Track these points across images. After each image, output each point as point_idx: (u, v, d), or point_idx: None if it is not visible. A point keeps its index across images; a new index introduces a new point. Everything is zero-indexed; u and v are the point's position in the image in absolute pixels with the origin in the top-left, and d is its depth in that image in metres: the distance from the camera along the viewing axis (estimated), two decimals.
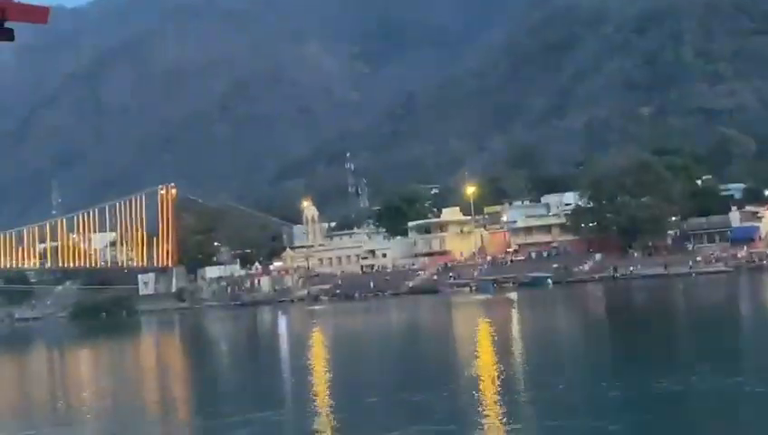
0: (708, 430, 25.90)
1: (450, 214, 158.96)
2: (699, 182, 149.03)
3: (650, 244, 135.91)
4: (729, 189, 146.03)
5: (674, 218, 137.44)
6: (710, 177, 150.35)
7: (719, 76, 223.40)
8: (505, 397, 36.45)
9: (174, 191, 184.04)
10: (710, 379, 36.36)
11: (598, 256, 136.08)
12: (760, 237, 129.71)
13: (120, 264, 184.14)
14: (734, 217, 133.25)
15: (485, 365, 47.84)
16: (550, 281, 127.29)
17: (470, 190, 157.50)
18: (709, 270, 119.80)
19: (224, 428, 24.81)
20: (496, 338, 63.30)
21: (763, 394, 32.59)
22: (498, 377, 42.31)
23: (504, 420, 31.00)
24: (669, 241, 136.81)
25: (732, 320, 65.28)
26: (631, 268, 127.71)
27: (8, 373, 72.43)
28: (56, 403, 47.79)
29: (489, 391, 38.63)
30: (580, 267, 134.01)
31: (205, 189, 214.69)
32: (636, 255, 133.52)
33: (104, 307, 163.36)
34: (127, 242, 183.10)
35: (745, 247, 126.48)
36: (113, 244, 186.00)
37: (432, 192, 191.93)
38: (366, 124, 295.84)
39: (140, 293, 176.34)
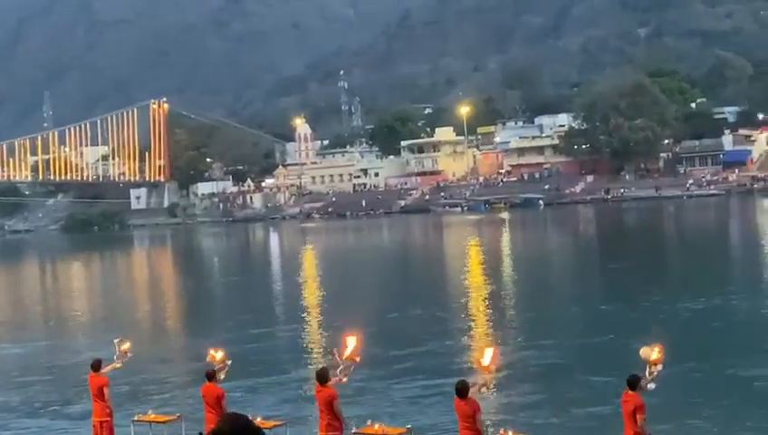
0: (692, 344, 26.37)
1: (443, 134, 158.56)
2: (693, 105, 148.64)
3: (643, 166, 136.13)
4: (723, 112, 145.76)
5: (667, 141, 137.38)
6: (704, 99, 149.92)
7: None
8: (495, 315, 36.95)
9: (166, 106, 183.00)
10: (695, 297, 36.90)
11: (590, 178, 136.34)
12: (752, 161, 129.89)
13: (112, 178, 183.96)
14: (727, 140, 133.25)
15: (476, 284, 48.33)
16: (541, 202, 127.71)
17: (464, 110, 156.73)
18: (700, 193, 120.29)
19: (215, 344, 25.26)
20: (487, 258, 63.82)
21: (742, 309, 33.14)
22: (488, 296, 42.80)
23: (494, 337, 31.47)
24: (662, 164, 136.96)
25: (718, 243, 65.84)
26: (623, 190, 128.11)
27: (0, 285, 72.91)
28: (48, 316, 48.27)
29: (479, 310, 39.12)
30: (572, 189, 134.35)
31: (197, 105, 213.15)
32: (628, 177, 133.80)
33: (96, 221, 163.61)
34: (119, 156, 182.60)
35: (737, 171, 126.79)
36: (105, 158, 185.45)
37: (426, 112, 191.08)
38: (361, 42, 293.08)
39: (132, 207, 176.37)
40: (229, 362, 16.19)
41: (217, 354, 16.28)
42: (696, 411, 20.77)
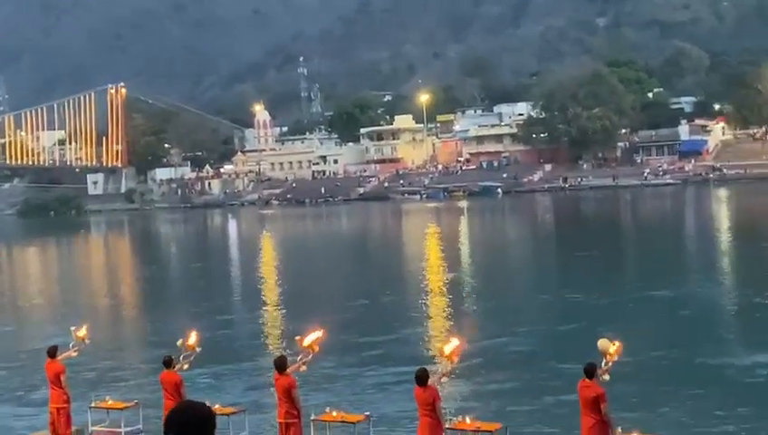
0: (660, 332, 26.64)
1: (403, 121, 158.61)
2: (651, 95, 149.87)
3: (600, 155, 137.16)
4: (680, 103, 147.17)
5: (624, 131, 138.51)
6: (662, 90, 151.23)
7: None
8: (456, 304, 37.12)
9: (124, 91, 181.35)
10: (657, 286, 37.30)
11: (548, 167, 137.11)
12: (707, 151, 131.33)
13: (68, 163, 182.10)
14: (684, 130, 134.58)
15: (436, 273, 48.51)
16: (500, 190, 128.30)
17: (423, 98, 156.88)
18: (657, 182, 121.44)
19: (169, 331, 25.19)
20: (446, 245, 64.06)
21: (703, 297, 33.57)
22: (449, 285, 42.98)
23: (456, 326, 31.61)
24: (619, 153, 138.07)
25: (675, 232, 66.57)
26: (580, 179, 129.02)
27: None
28: (3, 302, 47.78)
29: (441, 299, 39.28)
30: (530, 177, 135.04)
31: (156, 90, 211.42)
32: (585, 166, 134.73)
33: (52, 206, 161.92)
34: (76, 141, 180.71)
35: (693, 161, 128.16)
36: (62, 142, 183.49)
37: (385, 99, 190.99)
38: (320, 28, 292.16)
39: (89, 193, 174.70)
40: (198, 350, 16.15)
41: (189, 339, 16.22)
42: (666, 400, 21.02)
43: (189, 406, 4.32)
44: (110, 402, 17.63)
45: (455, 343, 14.30)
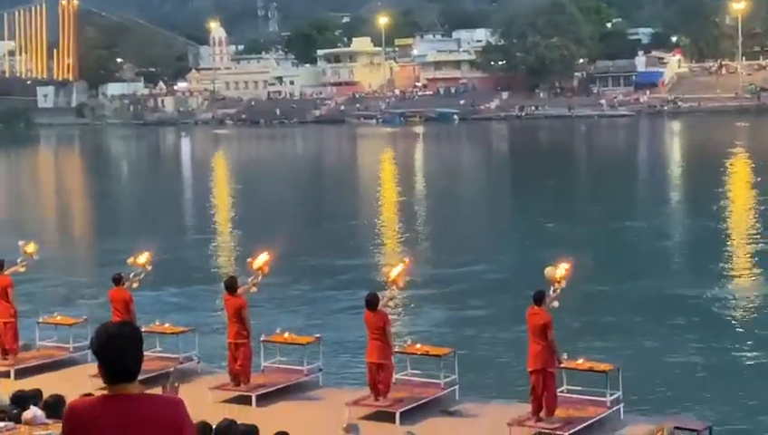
0: (593, 257, 26.97)
1: (360, 44, 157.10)
2: (609, 25, 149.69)
3: (557, 85, 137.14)
4: (638, 34, 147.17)
5: (582, 61, 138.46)
6: (620, 20, 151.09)
7: None
8: (405, 229, 37.28)
9: (76, 2, 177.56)
10: (613, 217, 37.71)
11: (505, 95, 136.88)
12: (663, 83, 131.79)
13: (18, 74, 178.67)
14: (640, 61, 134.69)
15: (388, 198, 48.60)
16: (456, 117, 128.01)
17: (382, 21, 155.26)
18: (612, 114, 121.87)
19: (119, 250, 24.96)
20: (400, 171, 64.10)
21: (655, 229, 34.01)
22: (399, 210, 43.10)
23: (406, 253, 31.74)
24: (576, 83, 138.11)
25: (628, 163, 67.16)
26: (534, 108, 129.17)
27: None
28: None
29: (390, 223, 39.40)
30: (487, 105, 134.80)
31: (108, 2, 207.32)
32: (542, 95, 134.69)
33: (1, 118, 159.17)
34: (26, 52, 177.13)
35: (648, 92, 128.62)
36: (12, 53, 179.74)
37: (343, 21, 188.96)
38: None
39: (39, 106, 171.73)
40: (148, 269, 16.05)
41: (140, 258, 16.11)
42: (613, 329, 21.39)
43: (113, 324, 4.35)
44: (58, 318, 17.54)
45: (400, 267, 14.36)
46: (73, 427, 4.21)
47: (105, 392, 4.20)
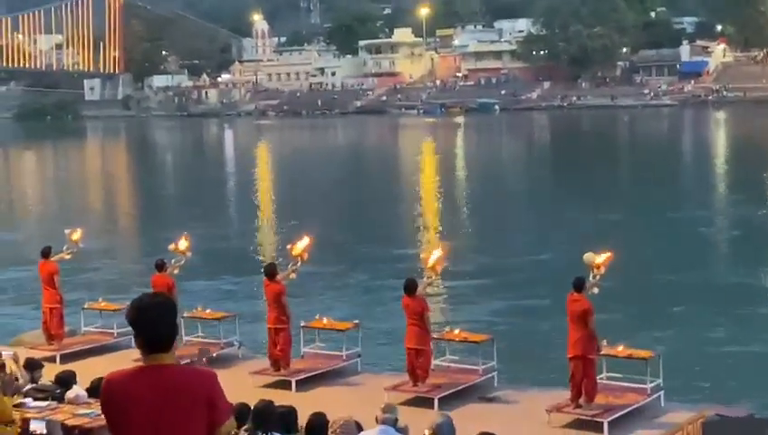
0: (638, 248, 26.83)
1: (402, 35, 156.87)
2: (653, 14, 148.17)
3: (600, 74, 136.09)
4: (682, 23, 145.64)
5: (625, 50, 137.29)
6: (664, 9, 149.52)
7: None
8: (445, 217, 37.29)
9: None
10: (659, 209, 37.48)
11: (546, 85, 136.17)
12: (708, 72, 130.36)
13: (66, 67, 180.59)
14: (685, 50, 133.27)
15: (428, 187, 48.60)
16: (497, 107, 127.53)
17: (423, 12, 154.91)
18: (656, 103, 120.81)
19: (162, 239, 25.19)
20: (441, 161, 64.05)
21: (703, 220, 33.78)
22: (439, 199, 43.10)
23: (442, 237, 31.74)
24: (618, 72, 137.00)
25: (666, 151, 66.54)
26: (576, 98, 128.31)
27: None
28: None
29: (430, 212, 39.43)
30: (529, 95, 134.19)
31: None
32: (584, 85, 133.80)
33: (49, 111, 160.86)
34: (73, 45, 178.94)
35: (693, 82, 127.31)
36: (59, 47, 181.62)
37: (384, 12, 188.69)
38: None
39: (86, 98, 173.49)
40: (189, 255, 16.23)
41: (180, 244, 16.30)
42: (682, 316, 21.33)
43: (147, 294, 4.47)
44: (102, 304, 17.78)
45: (437, 253, 14.42)
46: (110, 398, 4.32)
47: (140, 364, 4.30)
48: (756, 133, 76.88)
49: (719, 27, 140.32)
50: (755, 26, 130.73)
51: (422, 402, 13.10)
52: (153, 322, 4.26)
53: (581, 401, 12.62)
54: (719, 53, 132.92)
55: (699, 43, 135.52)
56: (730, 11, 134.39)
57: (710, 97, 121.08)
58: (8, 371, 10.97)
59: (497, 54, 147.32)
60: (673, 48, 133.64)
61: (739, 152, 62.83)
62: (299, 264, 14.91)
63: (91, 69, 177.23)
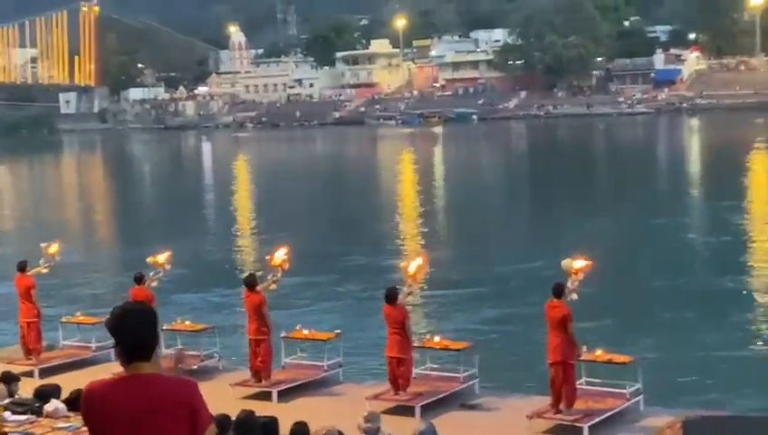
0: (614, 253, 26.94)
1: (379, 46, 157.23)
2: (627, 23, 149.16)
3: (575, 83, 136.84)
4: (655, 31, 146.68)
5: (599, 59, 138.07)
6: (638, 18, 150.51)
7: None
8: (425, 226, 37.34)
9: (96, 9, 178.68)
10: (624, 213, 37.61)
11: (523, 94, 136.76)
12: (682, 80, 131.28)
13: (41, 81, 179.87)
14: (659, 59, 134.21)
15: (407, 197, 48.65)
16: (475, 117, 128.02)
17: (400, 23, 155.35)
18: (631, 111, 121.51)
19: (141, 252, 25.09)
20: (419, 171, 64.12)
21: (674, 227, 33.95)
22: (418, 208, 43.14)
23: (421, 246, 31.77)
24: (594, 81, 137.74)
25: (642, 158, 66.92)
26: (552, 107, 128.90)
27: None
28: None
29: (409, 221, 39.45)
30: (506, 104, 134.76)
31: (128, 8, 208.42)
32: (560, 94, 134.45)
33: (25, 124, 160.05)
34: (48, 59, 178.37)
35: (667, 90, 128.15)
36: (34, 60, 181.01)
37: (362, 23, 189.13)
38: None
39: (62, 111, 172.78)
40: (168, 268, 16.20)
41: (159, 257, 16.27)
42: (660, 321, 21.39)
43: (128, 302, 4.46)
44: (81, 318, 17.69)
45: (418, 262, 14.44)
46: (90, 407, 4.31)
47: (122, 374, 4.29)
48: (730, 139, 77.38)
49: (692, 36, 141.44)
50: (728, 34, 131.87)
51: (404, 411, 13.11)
52: (133, 328, 4.24)
53: (562, 406, 12.66)
54: (692, 61, 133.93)
55: (673, 51, 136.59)
56: (703, 19, 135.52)
57: (684, 104, 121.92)
58: None
59: (474, 64, 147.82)
60: (647, 57, 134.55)
61: (714, 158, 63.26)
62: (279, 274, 14.90)
63: (67, 82, 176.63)
